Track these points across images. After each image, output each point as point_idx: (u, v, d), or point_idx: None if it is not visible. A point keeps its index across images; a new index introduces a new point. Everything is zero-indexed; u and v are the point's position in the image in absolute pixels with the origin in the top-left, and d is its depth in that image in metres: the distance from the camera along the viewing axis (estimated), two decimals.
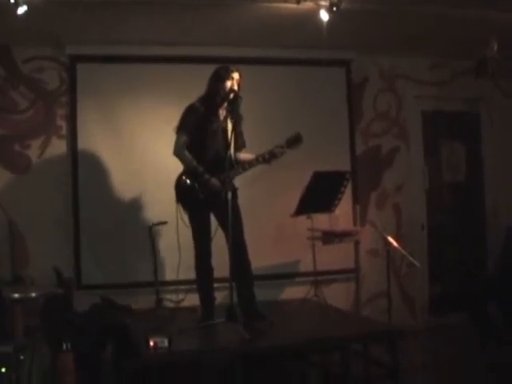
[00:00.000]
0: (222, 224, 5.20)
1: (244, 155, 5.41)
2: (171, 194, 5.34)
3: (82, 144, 6.46)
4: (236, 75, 5.21)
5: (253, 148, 5.41)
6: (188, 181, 5.24)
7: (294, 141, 5.17)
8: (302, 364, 5.79)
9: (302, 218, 6.27)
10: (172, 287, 6.37)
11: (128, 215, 6.52)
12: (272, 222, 6.72)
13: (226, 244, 5.03)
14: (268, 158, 5.17)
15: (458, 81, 7.58)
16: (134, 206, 6.50)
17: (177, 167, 5.33)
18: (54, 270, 5.78)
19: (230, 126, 5.25)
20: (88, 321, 4.70)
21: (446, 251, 7.62)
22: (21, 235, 6.29)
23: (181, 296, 6.29)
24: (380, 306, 6.81)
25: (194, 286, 5.52)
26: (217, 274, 5.38)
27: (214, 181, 5.14)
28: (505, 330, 5.91)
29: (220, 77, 5.21)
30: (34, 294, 5.32)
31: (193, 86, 5.42)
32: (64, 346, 4.30)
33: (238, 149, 5.39)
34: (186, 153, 5.23)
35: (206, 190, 5.15)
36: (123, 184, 6.52)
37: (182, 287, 6.20)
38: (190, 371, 4.73)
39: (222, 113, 5.31)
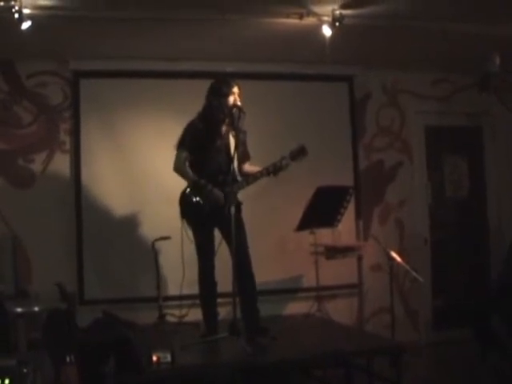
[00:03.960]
0: (227, 238, 5.16)
1: (249, 168, 5.37)
2: (174, 208, 5.32)
3: (85, 159, 6.47)
4: (236, 89, 5.15)
5: (256, 162, 5.40)
6: (192, 196, 5.21)
7: (298, 153, 5.13)
8: (305, 379, 5.78)
9: (305, 233, 6.29)
10: (175, 302, 6.33)
11: (131, 230, 6.52)
12: (275, 236, 6.70)
13: (230, 258, 4.99)
14: (272, 170, 5.12)
15: (460, 95, 7.60)
16: (137, 221, 6.51)
17: (180, 182, 5.32)
18: (57, 285, 5.78)
19: (232, 140, 5.22)
20: (90, 335, 4.68)
21: (449, 266, 7.60)
22: (24, 250, 6.30)
23: (184, 311, 6.27)
24: (383, 321, 6.81)
25: (197, 301, 5.50)
26: (220, 288, 5.35)
27: (217, 191, 5.08)
28: (508, 343, 5.88)
29: (222, 92, 5.13)
30: (37, 309, 5.34)
31: (196, 101, 5.40)
32: (68, 358, 4.29)
33: (242, 161, 5.35)
34: (187, 168, 5.22)
35: (209, 202, 5.11)
36: (126, 199, 6.52)
37: (185, 302, 6.19)
38: None
39: (225, 128, 5.25)
